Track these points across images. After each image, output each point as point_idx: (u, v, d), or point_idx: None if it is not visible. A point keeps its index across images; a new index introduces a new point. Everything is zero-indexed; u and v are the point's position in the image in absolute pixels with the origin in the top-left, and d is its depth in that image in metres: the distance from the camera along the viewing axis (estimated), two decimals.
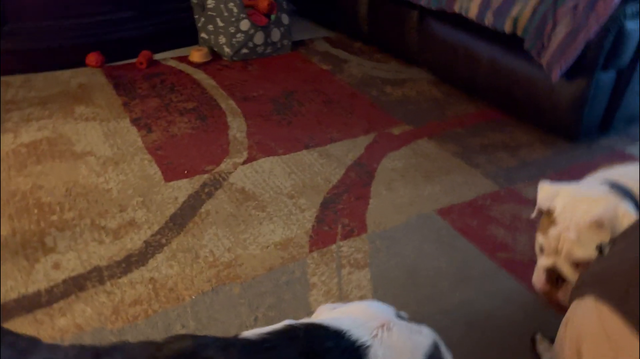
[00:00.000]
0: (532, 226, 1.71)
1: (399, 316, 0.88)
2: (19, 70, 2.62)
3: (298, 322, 0.82)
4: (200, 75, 2.69)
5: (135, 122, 2.24)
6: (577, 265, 1.17)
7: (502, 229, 1.69)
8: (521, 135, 2.25)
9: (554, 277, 1.19)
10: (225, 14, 2.77)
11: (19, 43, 2.58)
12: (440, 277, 1.49)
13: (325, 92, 2.58)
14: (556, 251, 1.19)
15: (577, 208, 1.19)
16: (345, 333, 0.79)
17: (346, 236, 1.64)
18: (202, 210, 1.73)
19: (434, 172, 1.98)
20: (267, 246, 1.59)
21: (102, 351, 0.75)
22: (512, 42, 2.17)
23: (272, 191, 1.84)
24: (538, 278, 1.23)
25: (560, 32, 1.92)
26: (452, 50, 2.53)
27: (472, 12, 2.26)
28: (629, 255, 0.69)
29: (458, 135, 2.24)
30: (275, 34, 2.95)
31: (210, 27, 2.89)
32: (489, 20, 2.19)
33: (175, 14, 2.95)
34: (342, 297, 1.41)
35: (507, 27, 2.11)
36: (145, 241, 1.59)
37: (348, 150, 2.10)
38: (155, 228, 1.64)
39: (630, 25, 1.88)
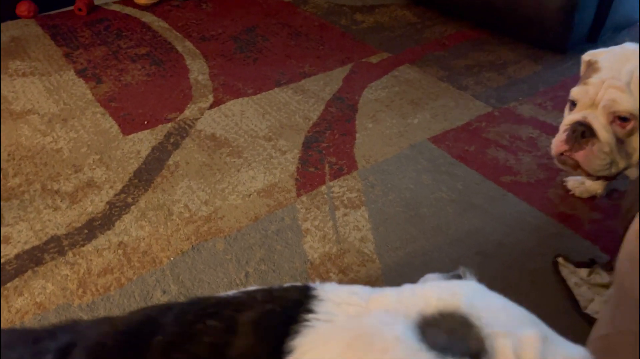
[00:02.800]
0: (534, 146, 1.58)
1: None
2: None
3: (305, 285, 0.63)
4: (149, 18, 2.41)
5: (81, 73, 1.97)
6: (613, 120, 1.04)
7: (502, 151, 1.55)
8: (506, 53, 2.09)
9: (578, 134, 1.06)
10: None
11: None
12: (444, 207, 1.35)
13: (291, 24, 2.35)
14: (592, 103, 1.05)
15: (629, 57, 1.05)
16: (311, 301, 0.54)
17: (335, 175, 1.48)
18: (170, 162, 1.53)
19: (421, 98, 1.81)
20: (249, 195, 1.41)
21: (45, 335, 0.58)
22: None
23: (247, 135, 1.64)
24: (559, 135, 1.11)
25: None
26: None
27: None
28: None
29: (440, 58, 2.07)
30: None
31: None
32: None
33: None
34: (340, 241, 1.26)
35: None
36: (108, 203, 1.38)
37: (325, 84, 1.91)
38: (119, 186, 1.44)
39: None
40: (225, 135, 1.64)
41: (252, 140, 1.62)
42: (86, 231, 1.29)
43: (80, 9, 2.41)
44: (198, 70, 2.00)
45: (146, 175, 1.48)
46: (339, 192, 1.41)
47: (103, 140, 1.62)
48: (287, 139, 1.62)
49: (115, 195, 1.41)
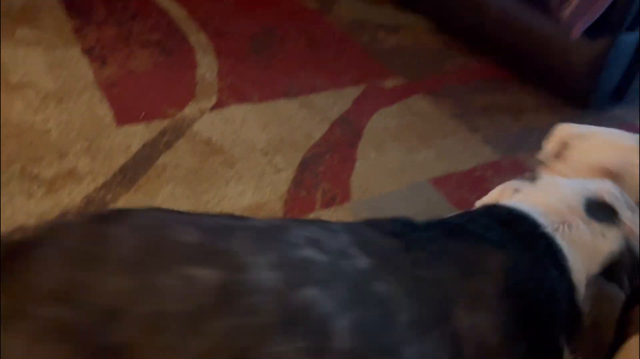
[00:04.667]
0: None
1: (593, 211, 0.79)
2: None
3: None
4: (169, 4, 2.34)
5: (87, 52, 1.91)
6: None
7: None
8: (526, 98, 2.02)
9: None
10: None
11: None
12: None
13: (311, 32, 2.27)
14: None
15: (591, 148, 1.07)
16: (532, 219, 0.75)
17: (327, 204, 1.41)
18: (159, 162, 1.47)
19: (430, 134, 1.74)
20: (234, 212, 1.34)
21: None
22: None
23: (244, 145, 1.58)
24: None
25: None
26: None
27: None
28: None
29: (457, 92, 2.00)
30: None
31: None
32: None
33: None
34: None
35: None
36: (86, 197, 1.33)
37: (334, 103, 1.84)
38: (100, 181, 1.38)
39: None
40: (222, 141, 1.58)
41: (248, 152, 1.55)
42: None
43: None
44: (207, 66, 1.93)
45: (131, 173, 1.41)
46: None
47: (95, 128, 1.55)
48: (285, 156, 1.56)
49: (96, 189, 1.35)
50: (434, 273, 0.64)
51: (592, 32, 1.75)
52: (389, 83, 2.00)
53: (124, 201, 1.32)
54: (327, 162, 1.56)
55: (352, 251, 0.60)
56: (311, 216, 1.36)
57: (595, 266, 0.73)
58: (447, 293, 0.62)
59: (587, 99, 1.92)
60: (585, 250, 0.73)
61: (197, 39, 2.10)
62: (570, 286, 0.71)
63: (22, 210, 1.26)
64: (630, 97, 2.00)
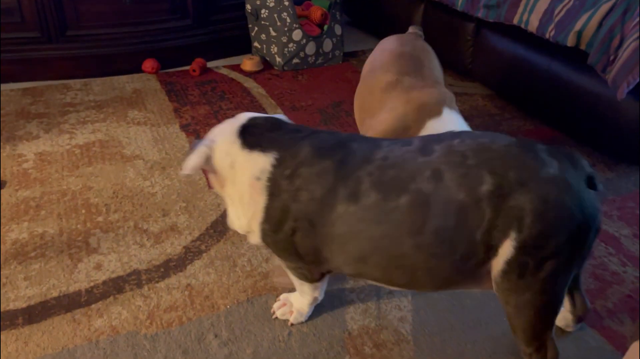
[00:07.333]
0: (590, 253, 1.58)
1: None
2: (78, 75, 2.72)
3: None
4: (250, 84, 2.71)
5: (184, 127, 2.27)
6: None
7: None
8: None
9: None
10: (279, 23, 2.79)
11: (79, 49, 2.69)
12: (488, 302, 1.40)
13: None
14: None
15: None
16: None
17: None
18: None
19: None
20: None
21: None
22: (573, 56, 2.06)
23: None
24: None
25: (629, 46, 1.80)
26: (510, 64, 2.42)
27: (533, 25, 2.15)
28: None
29: None
30: (328, 45, 2.93)
31: (263, 36, 2.91)
32: (550, 33, 2.08)
33: (229, 23, 2.99)
34: (380, 317, 1.35)
35: (570, 41, 1.99)
36: (184, 247, 1.59)
37: None
38: (196, 234, 1.64)
39: None
40: None
41: None
42: (162, 269, 1.49)
43: (194, 70, 2.77)
44: None
45: (221, 227, 1.67)
46: None
47: (191, 190, 1.85)
48: None
49: (192, 241, 1.61)
50: None
51: (639, 91, 1.86)
52: None
53: (214, 251, 1.57)
54: None
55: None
56: None
57: None
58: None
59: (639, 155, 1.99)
60: None
61: (275, 113, 2.41)
62: None
63: (136, 257, 1.53)
64: None
